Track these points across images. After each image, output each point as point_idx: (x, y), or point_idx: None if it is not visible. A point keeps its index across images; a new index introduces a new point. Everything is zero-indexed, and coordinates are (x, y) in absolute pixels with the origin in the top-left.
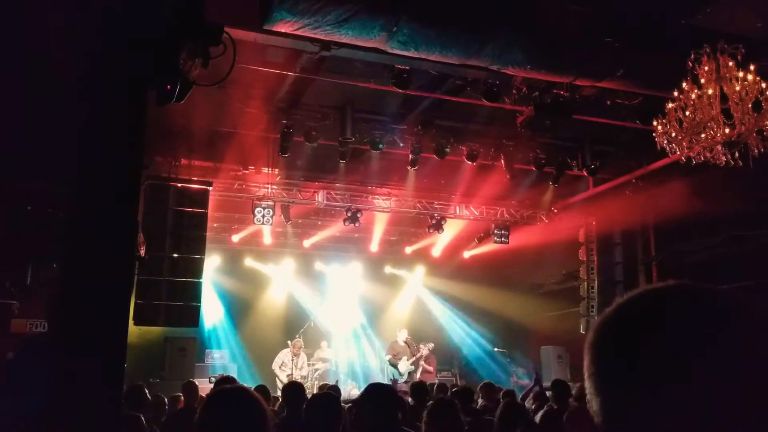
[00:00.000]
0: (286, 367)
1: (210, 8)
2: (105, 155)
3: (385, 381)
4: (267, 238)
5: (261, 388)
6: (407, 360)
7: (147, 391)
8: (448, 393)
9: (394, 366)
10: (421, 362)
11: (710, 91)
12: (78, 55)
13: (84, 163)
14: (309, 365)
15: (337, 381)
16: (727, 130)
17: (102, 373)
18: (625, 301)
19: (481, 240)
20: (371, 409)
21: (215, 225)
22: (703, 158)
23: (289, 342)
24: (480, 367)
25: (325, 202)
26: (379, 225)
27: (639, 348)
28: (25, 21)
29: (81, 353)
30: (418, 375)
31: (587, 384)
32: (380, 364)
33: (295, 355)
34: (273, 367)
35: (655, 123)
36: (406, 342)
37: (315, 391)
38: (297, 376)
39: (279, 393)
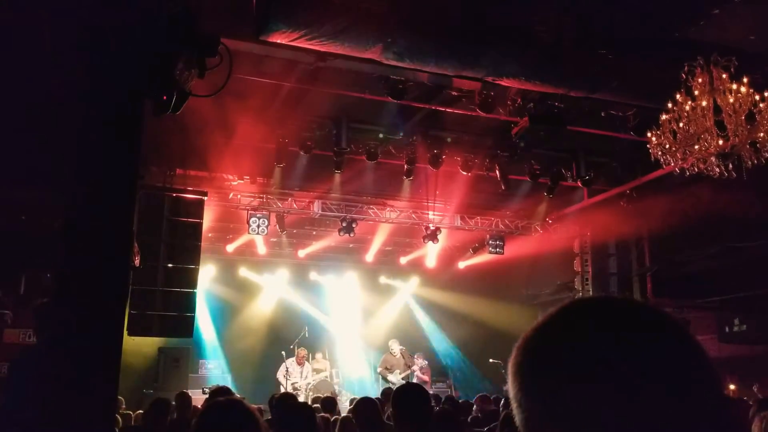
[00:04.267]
0: (291, 376)
1: (206, 19)
2: (101, 165)
3: (378, 391)
4: (261, 248)
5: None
6: (399, 373)
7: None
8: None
9: (384, 378)
10: (417, 373)
11: (704, 103)
12: (75, 66)
13: (80, 173)
14: (315, 372)
15: (334, 392)
16: (720, 142)
17: (96, 384)
18: (553, 312)
19: (476, 250)
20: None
21: (210, 235)
22: (696, 169)
23: (283, 353)
24: (474, 378)
25: (320, 212)
26: (376, 235)
27: (565, 352)
28: (23, 33)
29: (75, 364)
30: None
31: (513, 388)
32: (374, 374)
33: (299, 364)
34: (277, 376)
35: (649, 134)
36: (401, 353)
37: (309, 402)
38: (302, 385)
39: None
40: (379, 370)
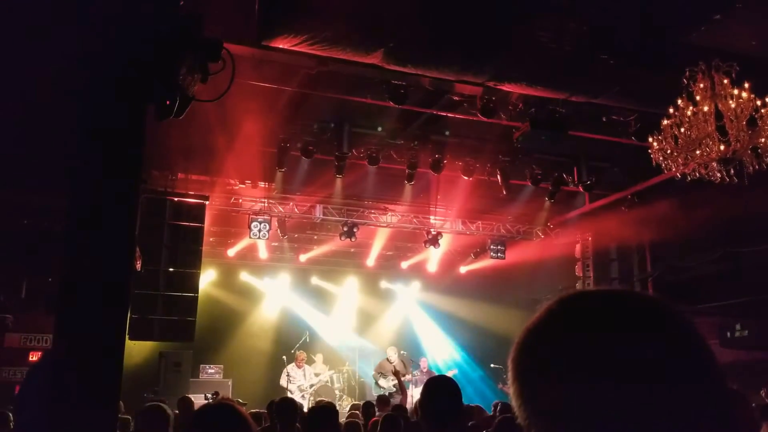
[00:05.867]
0: (294, 379)
1: (209, 24)
2: (103, 169)
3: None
4: (263, 253)
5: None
6: (391, 380)
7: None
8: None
9: (376, 382)
10: (417, 378)
11: (705, 108)
12: (77, 69)
13: (81, 177)
14: (316, 375)
15: (335, 397)
16: (722, 147)
17: (98, 389)
18: (552, 307)
19: (478, 255)
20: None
21: (211, 239)
22: (698, 175)
23: (284, 357)
24: (475, 383)
25: (321, 216)
26: (377, 240)
27: (564, 351)
28: (25, 36)
29: (77, 367)
30: (410, 392)
31: (513, 387)
32: (373, 379)
33: (299, 367)
34: (280, 383)
35: (650, 139)
36: (400, 359)
37: (310, 406)
38: (306, 387)
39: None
40: (373, 374)
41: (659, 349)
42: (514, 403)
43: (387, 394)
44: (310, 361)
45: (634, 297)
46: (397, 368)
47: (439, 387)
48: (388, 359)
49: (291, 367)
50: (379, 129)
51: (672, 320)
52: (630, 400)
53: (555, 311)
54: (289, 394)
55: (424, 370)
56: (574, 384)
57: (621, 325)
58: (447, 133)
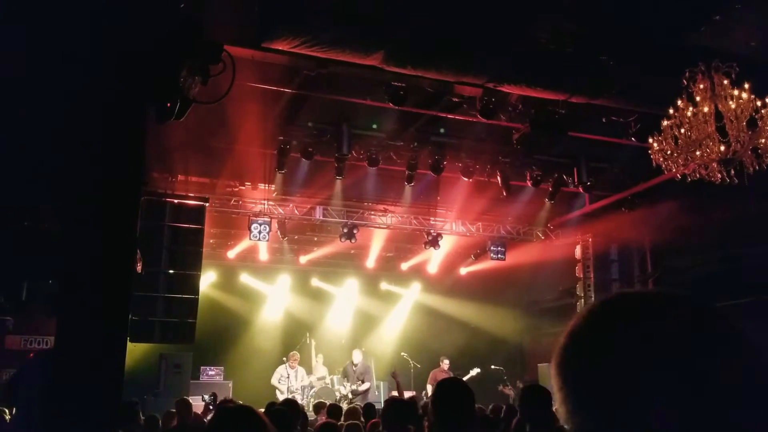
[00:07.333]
0: (285, 379)
1: (209, 26)
2: (104, 171)
3: (382, 398)
4: (263, 254)
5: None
6: (351, 385)
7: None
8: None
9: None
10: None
11: (705, 109)
12: (79, 72)
13: (83, 179)
14: (309, 376)
15: (335, 399)
16: (722, 148)
17: (99, 390)
18: (599, 310)
19: (478, 256)
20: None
21: (211, 241)
22: (698, 175)
23: (284, 359)
24: (475, 385)
25: (321, 218)
26: (376, 241)
27: (623, 356)
28: (27, 38)
29: (78, 370)
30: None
31: (562, 387)
32: (375, 380)
33: (292, 367)
34: (272, 382)
35: (650, 140)
36: (362, 363)
37: (310, 409)
38: (298, 387)
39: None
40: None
41: (711, 349)
42: (561, 409)
43: (348, 398)
44: (308, 362)
45: (680, 297)
46: (361, 370)
47: (451, 391)
48: (352, 362)
49: (283, 368)
50: (378, 129)
51: (720, 320)
52: (690, 401)
53: (600, 313)
54: (278, 394)
55: (446, 369)
56: (631, 384)
57: (672, 326)
58: (445, 131)
